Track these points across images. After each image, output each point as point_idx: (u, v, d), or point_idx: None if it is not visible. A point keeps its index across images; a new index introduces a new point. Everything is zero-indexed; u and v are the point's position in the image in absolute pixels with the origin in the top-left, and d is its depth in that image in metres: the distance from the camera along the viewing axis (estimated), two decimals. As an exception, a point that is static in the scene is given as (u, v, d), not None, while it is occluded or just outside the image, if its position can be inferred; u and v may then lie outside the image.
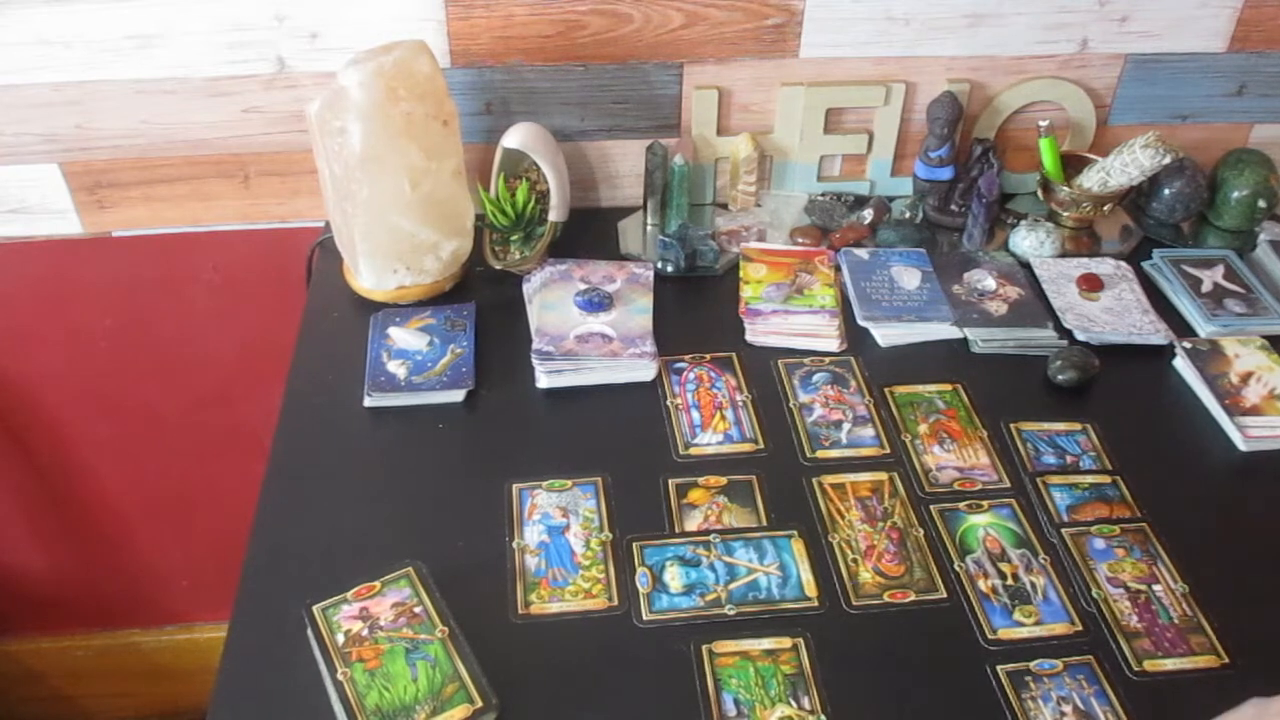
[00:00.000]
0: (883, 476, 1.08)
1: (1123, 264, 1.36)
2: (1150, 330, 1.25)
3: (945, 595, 0.96)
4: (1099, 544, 1.01)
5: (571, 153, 1.40)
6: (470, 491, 1.05)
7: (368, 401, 1.13)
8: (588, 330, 1.21)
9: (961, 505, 1.05)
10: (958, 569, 0.99)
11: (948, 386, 1.18)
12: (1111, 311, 1.28)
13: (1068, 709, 0.87)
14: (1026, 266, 1.35)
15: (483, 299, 1.27)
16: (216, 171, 1.37)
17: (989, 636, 0.93)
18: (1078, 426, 1.14)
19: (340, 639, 0.88)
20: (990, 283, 1.31)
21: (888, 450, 1.11)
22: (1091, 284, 1.30)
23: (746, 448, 1.11)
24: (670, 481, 1.06)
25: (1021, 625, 0.94)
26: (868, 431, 1.13)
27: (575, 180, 1.41)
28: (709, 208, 1.45)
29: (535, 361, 1.16)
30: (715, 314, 1.28)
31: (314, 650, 0.88)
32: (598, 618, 0.94)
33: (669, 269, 1.32)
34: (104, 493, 1.70)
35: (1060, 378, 1.18)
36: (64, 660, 1.88)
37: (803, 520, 1.03)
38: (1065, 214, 1.41)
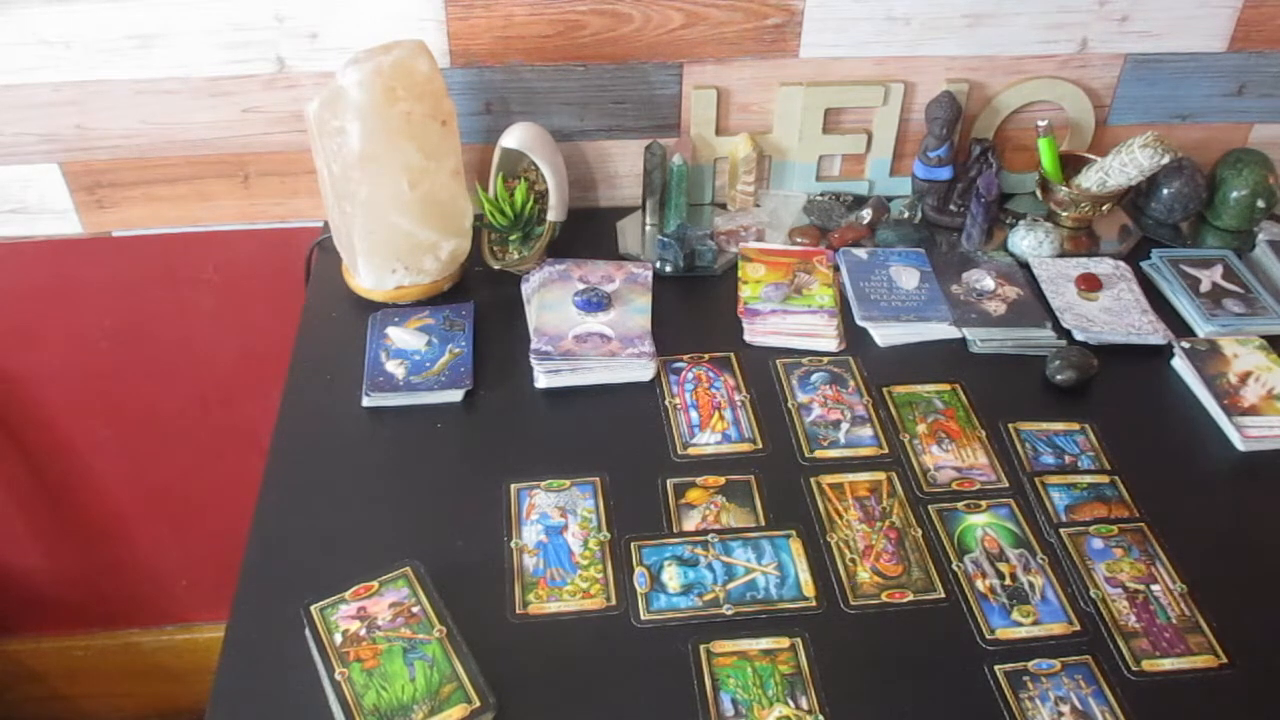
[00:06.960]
0: (881, 476, 1.08)
1: (1121, 264, 1.35)
2: (1149, 330, 1.25)
3: (943, 595, 0.96)
4: (1097, 544, 1.01)
5: (570, 153, 1.40)
6: (468, 491, 1.05)
7: (366, 401, 1.13)
8: (586, 330, 1.21)
9: (960, 505, 1.05)
10: (956, 569, 0.99)
11: (946, 386, 1.18)
12: (1110, 311, 1.27)
13: (1065, 709, 0.87)
14: (1025, 266, 1.35)
15: (481, 299, 1.28)
16: (216, 171, 1.37)
17: (987, 636, 0.93)
18: (1076, 426, 1.14)
19: (338, 639, 0.88)
20: (989, 282, 1.31)
21: (886, 450, 1.11)
22: (1090, 284, 1.30)
23: (745, 448, 1.11)
24: (668, 481, 1.06)
25: (1020, 625, 0.94)
26: (866, 431, 1.13)
27: (574, 180, 1.41)
28: (708, 208, 1.45)
29: (534, 361, 1.17)
30: (714, 314, 1.28)
31: (312, 650, 0.88)
32: (596, 617, 0.94)
33: (667, 269, 1.32)
34: (104, 492, 1.70)
35: (1059, 378, 1.18)
36: (64, 660, 1.88)
37: (801, 520, 1.03)
38: (1064, 214, 1.41)
